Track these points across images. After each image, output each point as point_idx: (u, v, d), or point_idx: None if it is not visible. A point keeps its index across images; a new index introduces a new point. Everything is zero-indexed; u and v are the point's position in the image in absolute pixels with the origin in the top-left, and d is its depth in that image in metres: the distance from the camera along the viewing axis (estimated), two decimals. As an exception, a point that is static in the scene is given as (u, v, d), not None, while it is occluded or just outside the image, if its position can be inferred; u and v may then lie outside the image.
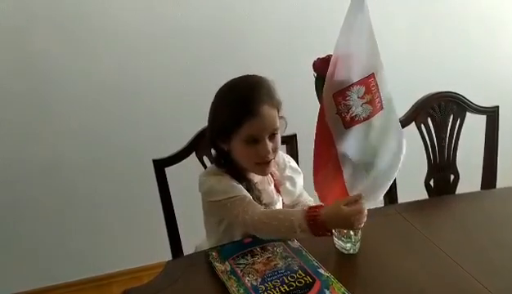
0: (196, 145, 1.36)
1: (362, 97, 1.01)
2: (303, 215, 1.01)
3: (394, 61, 2.09)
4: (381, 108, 1.03)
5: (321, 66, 1.03)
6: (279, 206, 1.25)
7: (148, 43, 1.92)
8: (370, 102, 1.02)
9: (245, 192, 1.14)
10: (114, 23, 1.87)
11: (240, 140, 1.12)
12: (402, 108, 1.53)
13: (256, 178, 1.22)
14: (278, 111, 1.15)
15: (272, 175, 1.27)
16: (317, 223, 1.00)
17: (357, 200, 1.02)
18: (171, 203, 1.37)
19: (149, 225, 1.71)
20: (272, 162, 1.17)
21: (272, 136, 1.14)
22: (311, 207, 1.04)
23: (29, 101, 1.86)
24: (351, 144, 1.03)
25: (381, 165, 1.07)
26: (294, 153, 1.44)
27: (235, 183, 1.15)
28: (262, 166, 1.16)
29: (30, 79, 1.84)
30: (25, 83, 1.84)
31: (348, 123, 1.01)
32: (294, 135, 1.45)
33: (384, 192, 1.13)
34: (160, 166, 1.35)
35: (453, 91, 1.56)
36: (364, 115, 1.01)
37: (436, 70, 2.28)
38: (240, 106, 1.10)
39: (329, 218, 1.00)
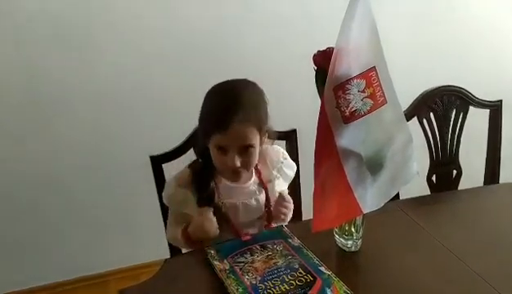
0: (194, 141, 1.33)
1: (363, 91, 0.98)
2: (180, 233, 1.19)
3: (396, 55, 2.08)
4: (384, 102, 1.00)
5: (321, 59, 1.00)
6: (256, 201, 1.23)
7: (146, 43, 1.90)
8: (371, 96, 0.99)
9: (177, 208, 1.23)
10: (113, 24, 1.85)
11: (212, 146, 1.15)
12: (404, 102, 1.50)
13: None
14: (258, 128, 1.14)
15: (257, 168, 1.26)
16: (187, 238, 1.17)
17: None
18: (169, 200, 1.35)
19: (147, 223, 1.69)
20: (243, 173, 1.19)
21: (244, 149, 1.13)
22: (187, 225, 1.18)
23: (28, 103, 1.84)
24: (351, 140, 1.00)
25: (388, 169, 1.03)
26: (293, 148, 1.42)
27: (178, 194, 1.20)
28: (232, 173, 1.18)
29: (29, 82, 1.82)
30: (24, 86, 1.82)
31: (348, 118, 0.98)
32: (294, 131, 1.42)
33: (387, 199, 1.07)
34: (157, 162, 1.33)
35: (456, 85, 1.54)
36: (365, 110, 0.99)
37: (438, 64, 2.25)
38: (211, 120, 1.13)
39: (191, 229, 1.17)
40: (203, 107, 1.16)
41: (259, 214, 1.24)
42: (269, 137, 1.23)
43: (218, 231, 1.15)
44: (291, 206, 1.23)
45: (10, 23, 1.74)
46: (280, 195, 1.23)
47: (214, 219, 1.15)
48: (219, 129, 1.09)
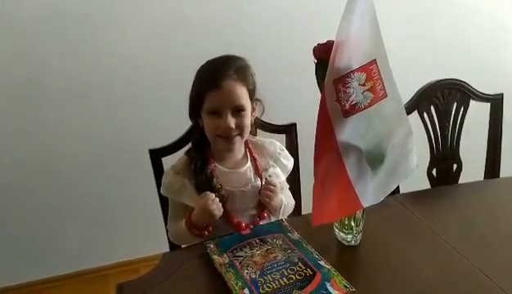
0: (192, 134, 1.32)
1: (363, 84, 0.97)
2: (184, 222, 1.17)
3: (397, 48, 2.07)
4: (384, 95, 0.99)
5: (321, 52, 0.99)
6: (252, 188, 1.23)
7: (148, 38, 1.90)
8: (372, 89, 0.98)
9: (175, 197, 1.22)
10: (111, 19, 1.84)
11: (205, 113, 1.17)
12: (405, 96, 1.49)
13: (227, 161, 1.24)
14: (249, 91, 1.19)
15: (253, 157, 1.27)
16: (191, 224, 1.16)
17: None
18: (168, 194, 1.35)
19: (146, 217, 1.69)
20: (238, 140, 1.20)
21: (237, 113, 1.16)
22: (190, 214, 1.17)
23: (25, 97, 1.84)
24: (351, 134, 0.99)
25: (388, 163, 1.03)
26: (293, 142, 1.41)
27: (176, 181, 1.20)
28: (226, 140, 1.18)
29: (30, 75, 1.82)
30: (25, 78, 1.82)
31: (348, 112, 0.97)
32: (294, 125, 1.42)
33: (387, 193, 1.07)
34: (157, 155, 1.33)
35: (457, 78, 1.52)
36: (365, 103, 0.98)
37: (439, 57, 2.24)
38: (204, 80, 1.17)
39: (195, 215, 1.15)
40: (193, 83, 1.20)
41: (255, 202, 1.24)
42: (257, 124, 1.29)
43: (222, 210, 1.16)
44: (277, 190, 1.22)
45: (11, 17, 1.73)
46: (266, 180, 1.24)
47: (217, 199, 1.15)
48: (212, 87, 1.13)
